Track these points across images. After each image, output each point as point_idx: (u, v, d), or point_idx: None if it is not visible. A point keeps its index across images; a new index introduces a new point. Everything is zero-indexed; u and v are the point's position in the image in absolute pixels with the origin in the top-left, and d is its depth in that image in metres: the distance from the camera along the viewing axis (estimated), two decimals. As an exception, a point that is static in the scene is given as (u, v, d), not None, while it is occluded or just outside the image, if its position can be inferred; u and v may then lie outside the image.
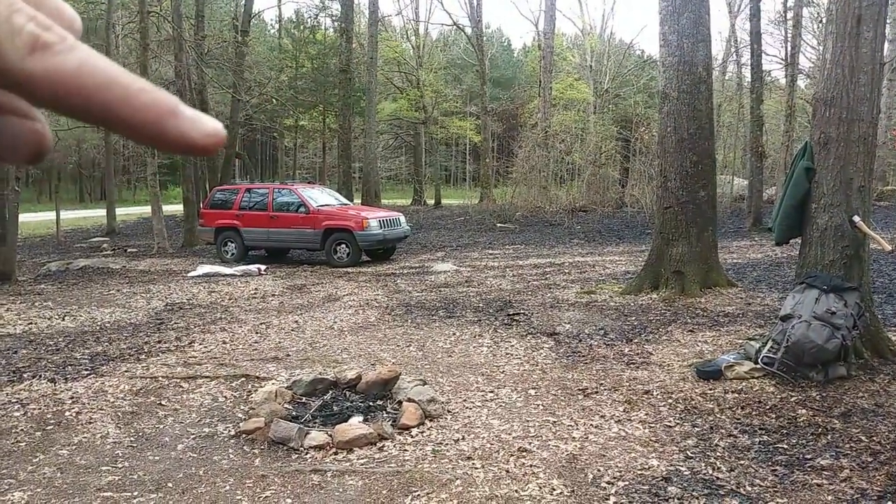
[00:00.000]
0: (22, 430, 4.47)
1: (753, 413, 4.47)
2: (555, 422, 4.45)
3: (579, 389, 5.06)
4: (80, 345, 6.76)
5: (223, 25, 29.03)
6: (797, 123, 21.73)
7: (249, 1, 26.13)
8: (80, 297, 9.68)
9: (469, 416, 4.58)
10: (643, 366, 5.65)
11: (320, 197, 14.34)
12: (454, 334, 6.97)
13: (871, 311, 5.51)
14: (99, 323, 7.88)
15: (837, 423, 4.20)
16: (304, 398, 4.91)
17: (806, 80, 29.00)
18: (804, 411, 4.43)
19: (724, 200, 21.82)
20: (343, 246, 13.10)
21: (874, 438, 3.97)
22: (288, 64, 28.88)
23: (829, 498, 3.33)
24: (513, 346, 6.46)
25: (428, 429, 4.34)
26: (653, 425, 4.33)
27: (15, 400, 5.03)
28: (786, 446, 3.93)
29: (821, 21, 23.60)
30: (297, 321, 7.72)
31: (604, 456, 3.87)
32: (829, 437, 4.02)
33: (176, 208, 24.12)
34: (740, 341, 6.03)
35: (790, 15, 22.31)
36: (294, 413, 4.61)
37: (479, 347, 6.43)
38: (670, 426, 4.31)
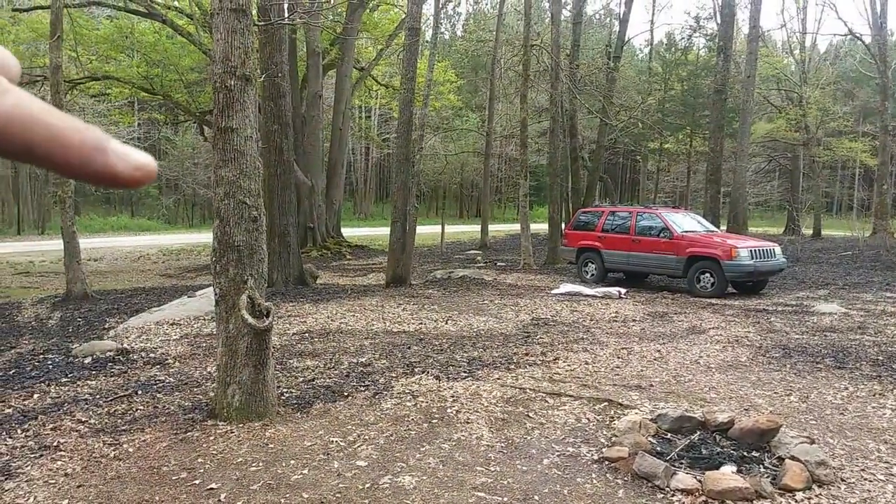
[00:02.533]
0: (412, 419, 5.07)
1: None
2: None
3: None
4: (460, 348, 7.49)
5: (595, 53, 29.96)
6: None
7: (623, 28, 26.60)
8: (459, 303, 10.79)
9: (869, 490, 3.86)
10: None
11: (685, 222, 13.82)
12: (846, 388, 6.00)
13: None
14: (475, 329, 8.65)
15: None
16: (668, 434, 4.69)
17: None
18: None
19: None
20: (707, 275, 12.40)
21: None
22: (657, 87, 28.57)
23: None
24: (928, 413, 5.32)
25: (816, 496, 3.77)
26: None
27: (408, 391, 5.76)
28: None
29: None
30: (659, 350, 7.47)
31: None
32: None
33: (540, 227, 25.56)
34: None
35: None
36: (658, 448, 4.42)
37: (881, 409, 5.42)
38: None
